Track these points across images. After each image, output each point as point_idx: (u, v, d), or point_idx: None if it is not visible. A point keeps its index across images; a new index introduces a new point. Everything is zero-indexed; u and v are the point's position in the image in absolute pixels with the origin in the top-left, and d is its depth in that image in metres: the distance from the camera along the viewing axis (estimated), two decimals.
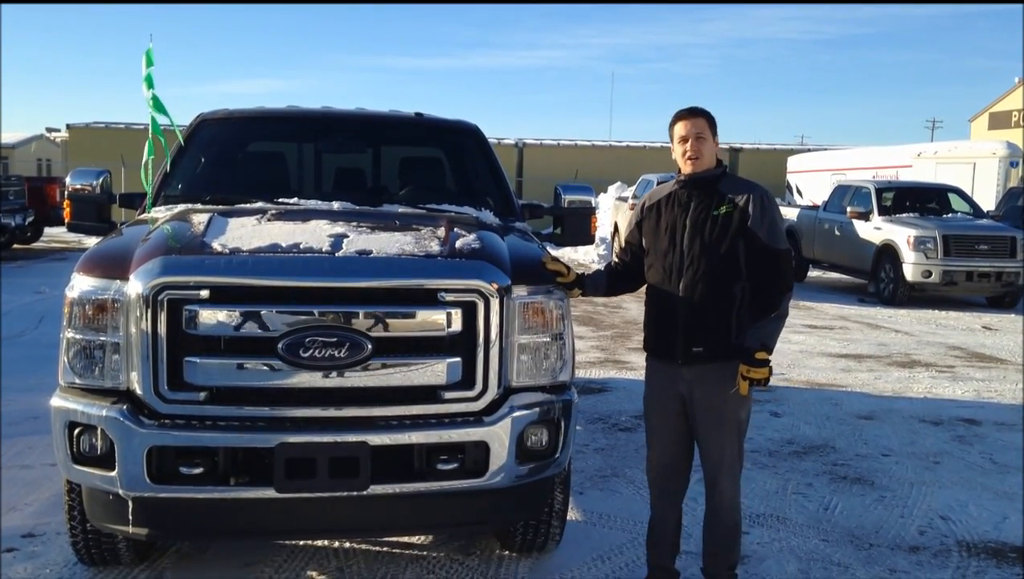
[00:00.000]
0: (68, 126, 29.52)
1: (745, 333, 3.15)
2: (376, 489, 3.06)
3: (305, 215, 3.69)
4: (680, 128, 3.24)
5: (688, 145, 3.22)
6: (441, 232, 3.48)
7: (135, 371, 2.99)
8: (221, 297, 2.97)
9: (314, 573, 3.66)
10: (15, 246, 17.57)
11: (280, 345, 2.96)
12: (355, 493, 3.07)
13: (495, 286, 3.13)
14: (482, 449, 3.14)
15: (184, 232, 3.42)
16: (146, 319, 2.94)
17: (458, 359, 3.12)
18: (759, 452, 5.50)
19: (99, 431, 2.99)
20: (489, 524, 3.59)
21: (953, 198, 14.52)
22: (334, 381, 3.03)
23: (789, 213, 16.23)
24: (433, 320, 3.09)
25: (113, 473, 2.98)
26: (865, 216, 13.72)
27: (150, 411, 2.99)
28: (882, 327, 11.02)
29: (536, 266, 3.38)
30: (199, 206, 4.09)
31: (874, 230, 13.45)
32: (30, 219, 17.60)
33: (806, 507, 4.61)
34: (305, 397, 3.04)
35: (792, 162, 25.70)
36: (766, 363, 3.12)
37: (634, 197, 17.35)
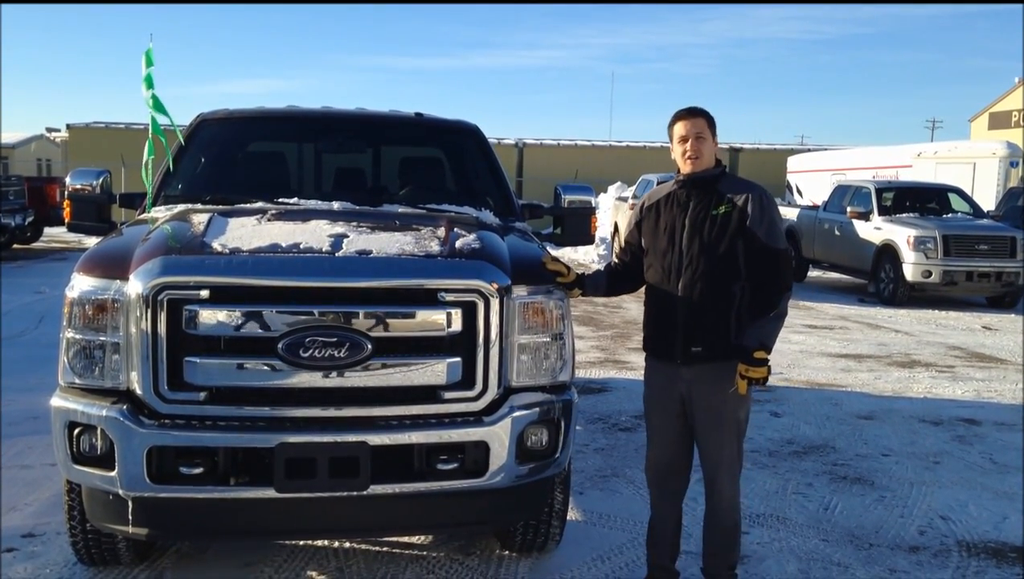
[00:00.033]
0: (68, 126, 29.52)
1: (744, 333, 3.15)
2: (376, 489, 3.07)
3: (305, 215, 3.69)
4: (680, 128, 3.24)
5: (688, 145, 3.22)
6: (441, 232, 3.48)
7: (135, 371, 2.99)
8: (221, 297, 2.97)
9: (314, 573, 3.66)
10: (15, 246, 17.57)
11: (280, 345, 2.96)
12: (355, 493, 3.07)
13: (495, 286, 3.13)
14: (482, 449, 3.14)
15: (184, 232, 3.42)
16: (146, 319, 2.94)
17: (458, 359, 3.12)
18: (759, 452, 5.50)
19: (99, 431, 2.99)
20: (489, 524, 3.59)
21: (953, 198, 14.52)
22: (334, 381, 3.03)
23: (789, 213, 16.24)
24: (433, 320, 3.09)
25: (113, 473, 2.98)
26: (865, 216, 13.72)
27: (150, 411, 2.99)
28: (882, 327, 11.02)
29: (536, 266, 3.38)
30: (199, 206, 4.09)
31: (874, 230, 13.45)
32: (30, 219, 17.61)
33: (806, 507, 4.61)
34: (305, 397, 3.04)
35: (792, 162, 25.70)
36: (765, 362, 3.12)
37: (634, 197, 17.35)
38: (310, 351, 2.96)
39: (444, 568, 3.72)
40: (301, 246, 3.17)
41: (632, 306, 11.62)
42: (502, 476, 3.16)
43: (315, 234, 3.29)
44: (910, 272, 12.59)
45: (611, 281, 3.51)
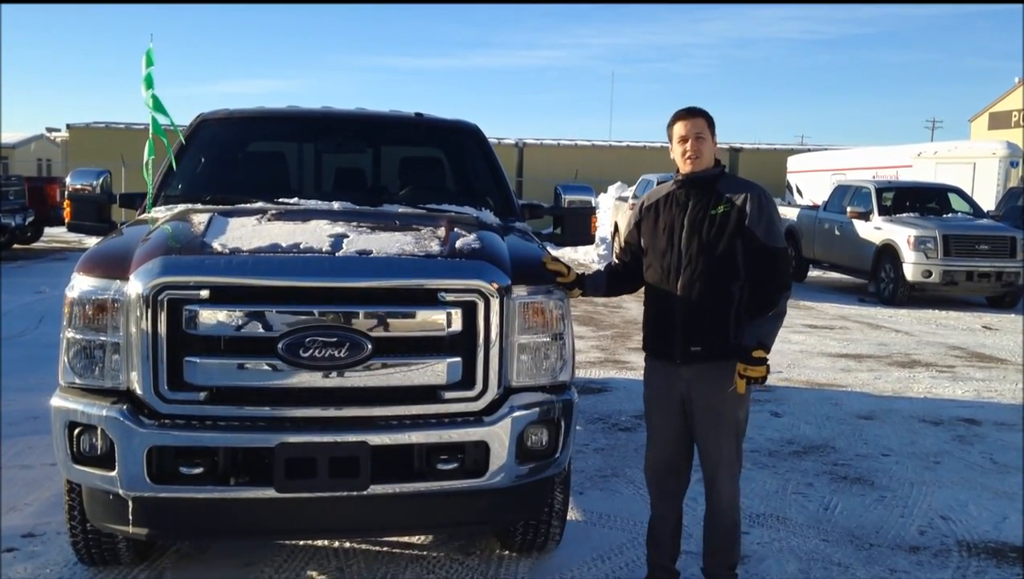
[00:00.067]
0: (68, 126, 29.54)
1: (743, 332, 3.15)
2: (376, 489, 3.07)
3: (305, 215, 3.69)
4: (679, 128, 3.25)
5: (688, 145, 3.22)
6: (441, 232, 3.48)
7: (135, 371, 2.99)
8: (221, 297, 2.97)
9: (314, 573, 3.66)
10: (15, 246, 17.57)
11: (280, 345, 2.96)
12: (355, 493, 3.07)
13: (495, 286, 3.13)
14: (482, 449, 3.14)
15: (184, 232, 3.42)
16: (146, 319, 2.94)
17: (458, 359, 3.12)
18: (759, 452, 5.50)
19: (99, 431, 2.99)
20: (489, 524, 3.59)
21: (953, 198, 14.52)
22: (334, 381, 3.03)
23: (789, 213, 16.24)
24: (433, 320, 3.09)
25: (113, 473, 2.98)
26: (865, 216, 13.72)
27: (150, 411, 2.99)
28: (882, 327, 11.02)
29: (536, 266, 3.38)
30: (199, 206, 4.09)
31: (874, 230, 13.45)
32: (30, 219, 17.62)
33: (806, 507, 4.61)
34: (305, 397, 3.04)
35: (792, 162, 25.70)
36: (763, 361, 3.12)
37: (634, 197, 17.36)
38: (310, 351, 2.96)
39: (444, 568, 3.72)
40: (301, 246, 3.17)
41: (632, 306, 11.62)
42: (502, 476, 3.16)
43: (315, 234, 3.29)
44: (910, 272, 12.59)
45: (611, 281, 3.51)
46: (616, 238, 16.99)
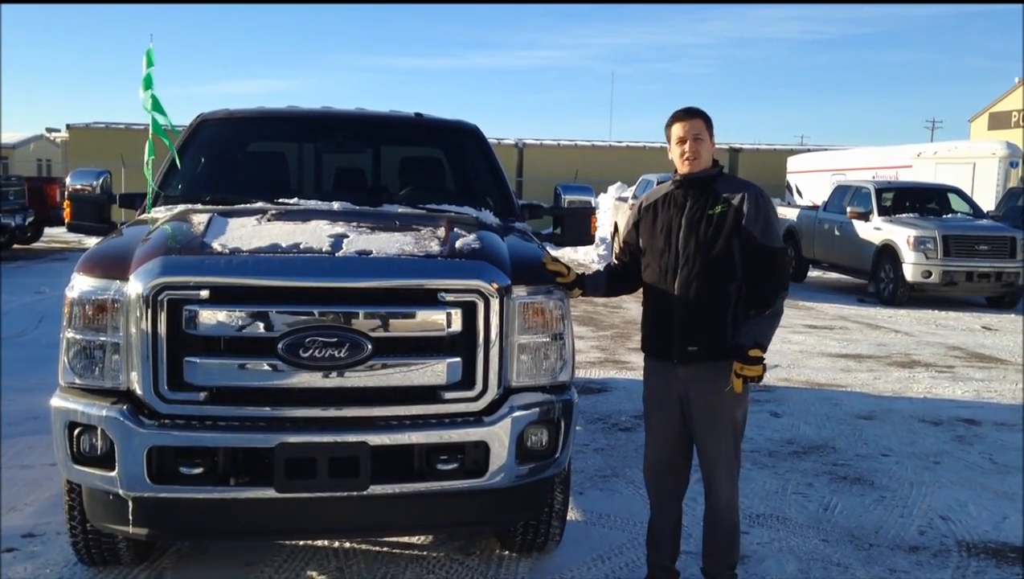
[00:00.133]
0: (68, 126, 29.54)
1: (740, 331, 3.16)
2: (376, 489, 3.07)
3: (305, 215, 3.69)
4: (678, 129, 3.25)
5: (686, 146, 3.22)
6: (441, 232, 3.48)
7: (135, 371, 2.99)
8: (221, 297, 2.97)
9: (314, 573, 3.66)
10: (15, 246, 17.58)
11: (280, 345, 2.96)
12: (355, 493, 3.07)
13: (495, 286, 3.13)
14: (482, 449, 3.14)
15: (184, 232, 3.42)
16: (146, 319, 2.95)
17: (458, 359, 3.12)
18: (759, 452, 5.50)
19: (99, 431, 2.99)
20: (489, 524, 3.59)
21: (953, 198, 14.53)
22: (334, 381, 3.03)
23: (789, 213, 16.25)
24: (433, 320, 3.09)
25: (113, 473, 2.98)
26: (865, 216, 13.72)
27: (150, 411, 2.99)
28: (882, 327, 11.02)
29: (536, 266, 3.38)
30: (199, 206, 4.09)
31: (874, 230, 13.45)
32: (30, 219, 17.62)
33: (806, 507, 4.61)
34: (305, 397, 3.04)
35: (792, 162, 25.71)
36: (760, 360, 3.12)
37: (634, 197, 17.36)
38: (310, 351, 2.96)
39: (444, 568, 3.72)
40: (301, 246, 3.17)
41: (632, 306, 11.63)
42: (502, 476, 3.16)
43: (315, 234, 3.29)
44: (910, 272, 12.59)
45: (611, 281, 3.52)
46: (616, 238, 16.99)
